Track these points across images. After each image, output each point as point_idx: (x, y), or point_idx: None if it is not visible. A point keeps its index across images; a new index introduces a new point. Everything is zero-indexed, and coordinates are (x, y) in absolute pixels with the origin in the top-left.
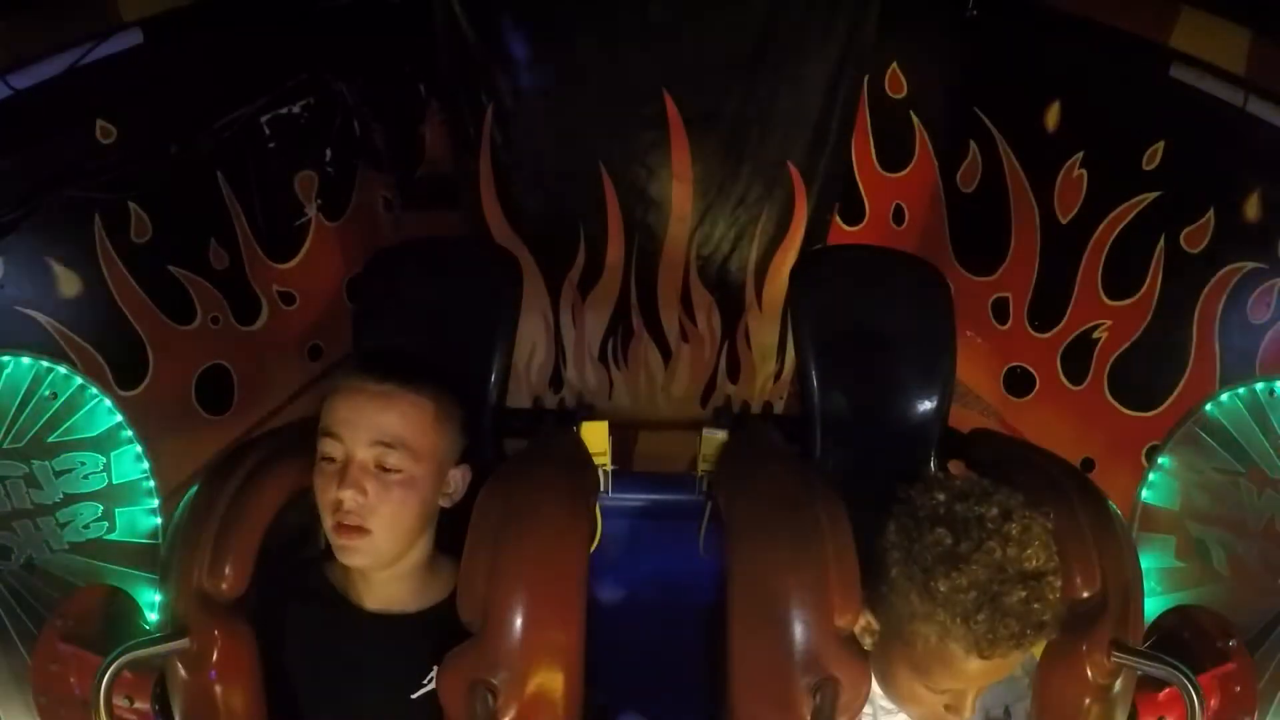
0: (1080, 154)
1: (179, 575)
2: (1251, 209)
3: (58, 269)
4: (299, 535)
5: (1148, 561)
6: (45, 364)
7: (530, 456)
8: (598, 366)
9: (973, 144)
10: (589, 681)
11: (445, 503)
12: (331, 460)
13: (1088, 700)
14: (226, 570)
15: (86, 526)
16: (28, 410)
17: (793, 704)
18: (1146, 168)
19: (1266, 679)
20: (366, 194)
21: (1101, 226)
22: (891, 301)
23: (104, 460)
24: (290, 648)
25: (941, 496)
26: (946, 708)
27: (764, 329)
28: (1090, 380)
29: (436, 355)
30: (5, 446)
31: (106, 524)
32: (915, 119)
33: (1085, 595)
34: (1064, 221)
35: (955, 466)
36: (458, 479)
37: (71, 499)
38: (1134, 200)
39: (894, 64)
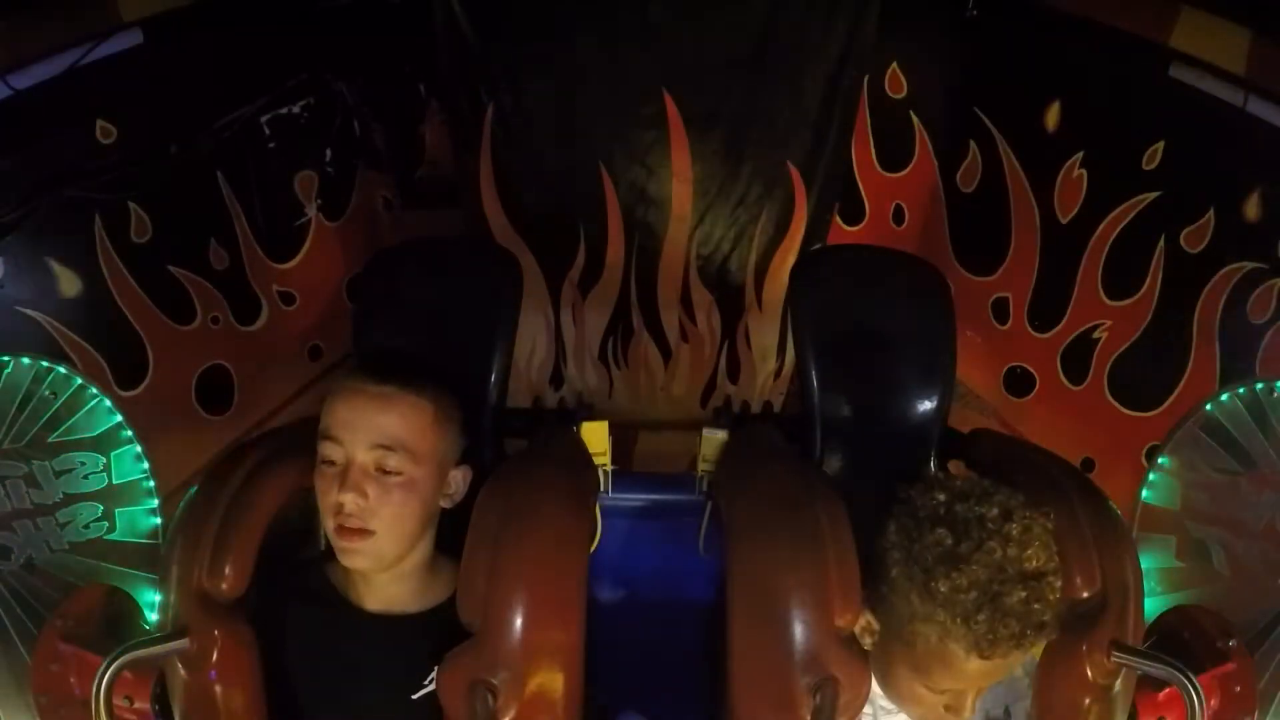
0: (1080, 154)
1: (179, 575)
2: (1251, 209)
3: (58, 269)
4: (299, 535)
5: (1148, 561)
6: (45, 364)
7: (530, 456)
8: (598, 366)
9: (973, 144)
10: (589, 681)
11: (446, 503)
12: (332, 463)
13: (1088, 700)
14: (226, 570)
15: (86, 526)
16: (28, 410)
17: (793, 704)
18: (1146, 168)
19: (1266, 679)
20: (366, 194)
21: (1101, 226)
22: (891, 301)
23: (104, 460)
24: (290, 648)
25: (942, 496)
26: (946, 708)
27: (764, 329)
28: (1090, 380)
29: (436, 355)
30: (5, 446)
31: (106, 524)
32: (915, 119)
33: (1085, 595)
34: (1064, 221)
35: (955, 466)
36: (458, 480)
37: (71, 499)
38: (1134, 200)
39: (894, 64)
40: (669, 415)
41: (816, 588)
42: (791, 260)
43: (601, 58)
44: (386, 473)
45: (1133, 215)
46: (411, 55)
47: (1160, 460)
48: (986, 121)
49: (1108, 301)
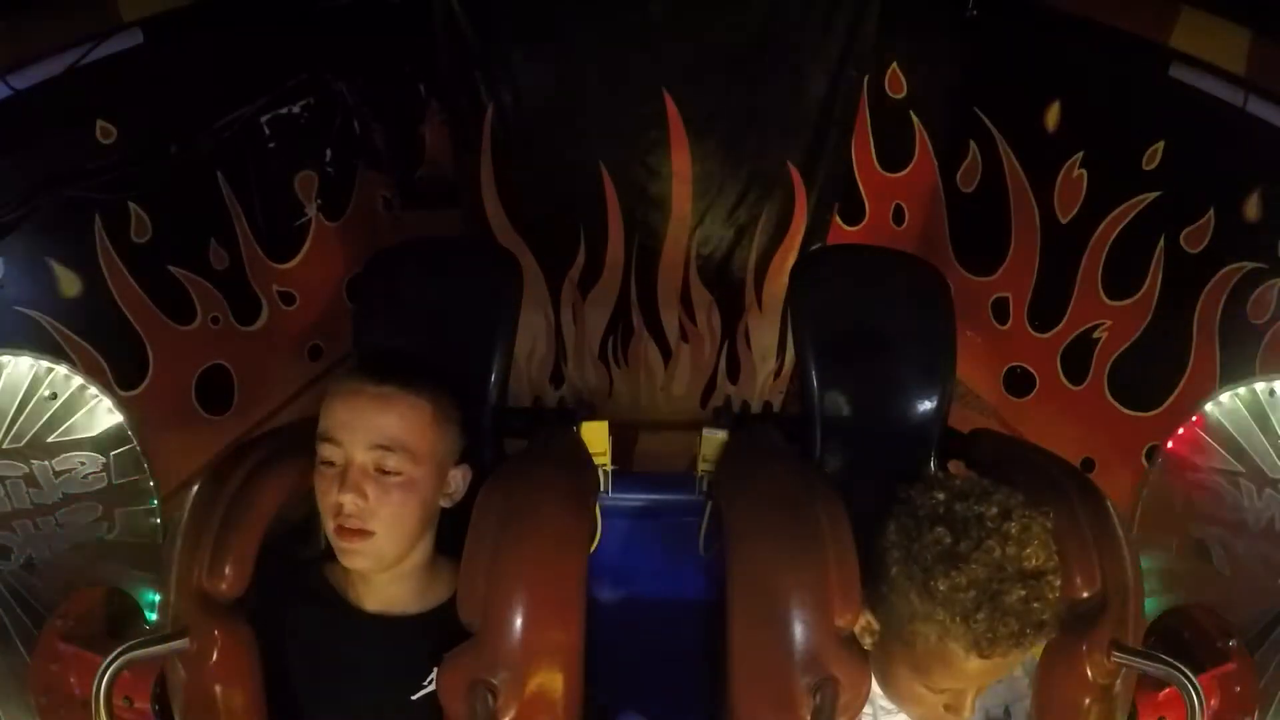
0: (1080, 154)
1: (179, 575)
2: (1251, 209)
3: (58, 269)
4: (299, 535)
5: (1148, 561)
6: (45, 364)
7: (530, 456)
8: (598, 365)
9: (973, 144)
10: (589, 681)
11: (446, 503)
12: (331, 464)
13: (1088, 700)
14: (226, 570)
15: (86, 526)
16: (28, 410)
17: (793, 704)
18: (1146, 168)
19: (1266, 679)
20: (366, 194)
21: (1101, 226)
22: (891, 301)
23: (104, 460)
24: (290, 649)
25: (941, 496)
26: (946, 708)
27: (764, 329)
28: (1090, 380)
29: (436, 355)
30: (5, 446)
31: (106, 524)
32: (915, 119)
33: (1085, 595)
34: (1064, 221)
35: (955, 466)
36: (458, 479)
37: (71, 499)
38: (1134, 200)
39: (894, 64)
40: (669, 415)
41: (816, 588)
42: (791, 260)
43: (601, 57)
44: (386, 473)
45: (1133, 215)
46: (411, 55)
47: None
48: (986, 121)
49: (1108, 301)
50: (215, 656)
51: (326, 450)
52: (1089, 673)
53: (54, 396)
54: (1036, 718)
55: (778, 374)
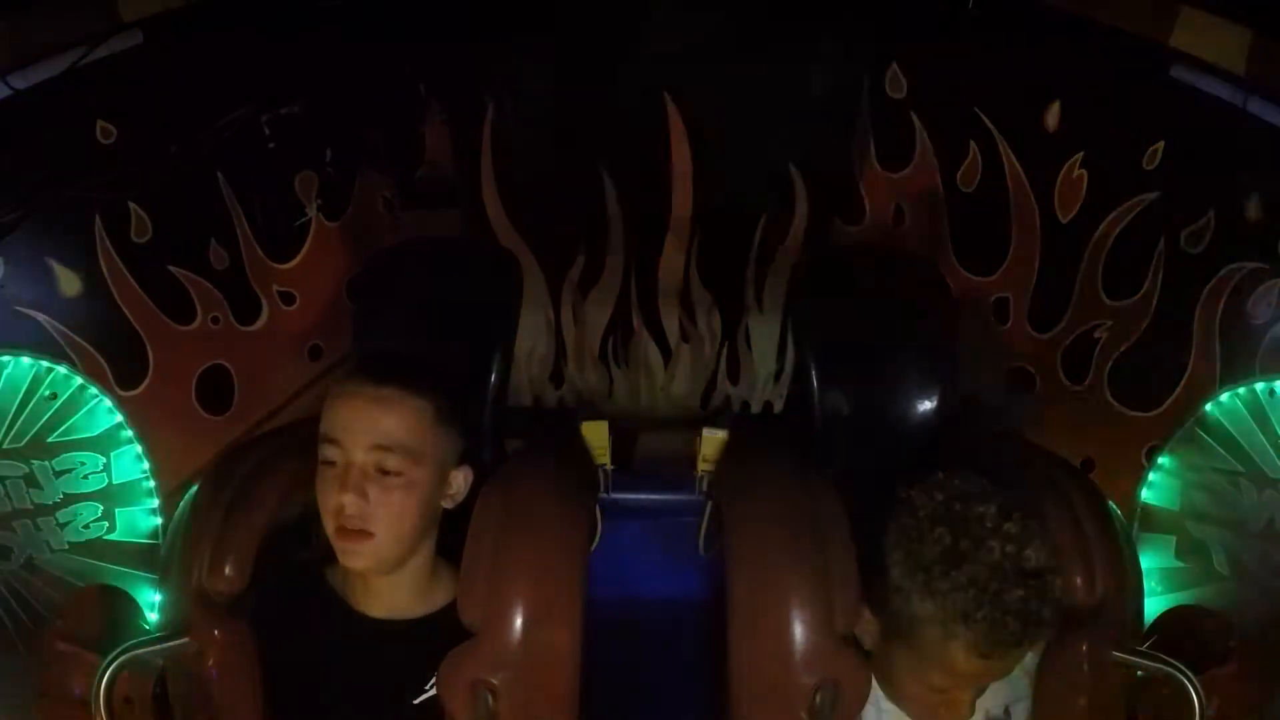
0: (1080, 154)
1: (179, 575)
2: (1251, 209)
3: (58, 269)
4: (299, 537)
5: (1148, 561)
6: (45, 364)
7: (530, 456)
8: (598, 365)
9: (973, 144)
10: (588, 681)
11: (448, 504)
12: (332, 465)
13: (1087, 700)
14: (226, 570)
15: (86, 526)
16: (28, 410)
17: (793, 704)
18: (1146, 168)
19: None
20: (366, 194)
21: (1101, 226)
22: (891, 301)
23: (104, 460)
24: (291, 652)
25: (941, 496)
26: (946, 708)
27: (764, 330)
28: (1090, 380)
29: (436, 355)
30: (5, 446)
31: (106, 524)
32: (915, 119)
33: (1085, 595)
34: (1064, 221)
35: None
36: (460, 481)
37: (71, 499)
38: (1134, 200)
39: (894, 64)
40: (669, 415)
41: (816, 588)
42: (791, 260)
43: (602, 57)
44: (386, 474)
45: (1133, 215)
46: (411, 55)
47: (1160, 460)
48: (986, 121)
49: (1108, 301)
50: (215, 656)
51: (327, 451)
52: (1089, 673)
53: (54, 396)
54: (1036, 718)
55: (778, 376)
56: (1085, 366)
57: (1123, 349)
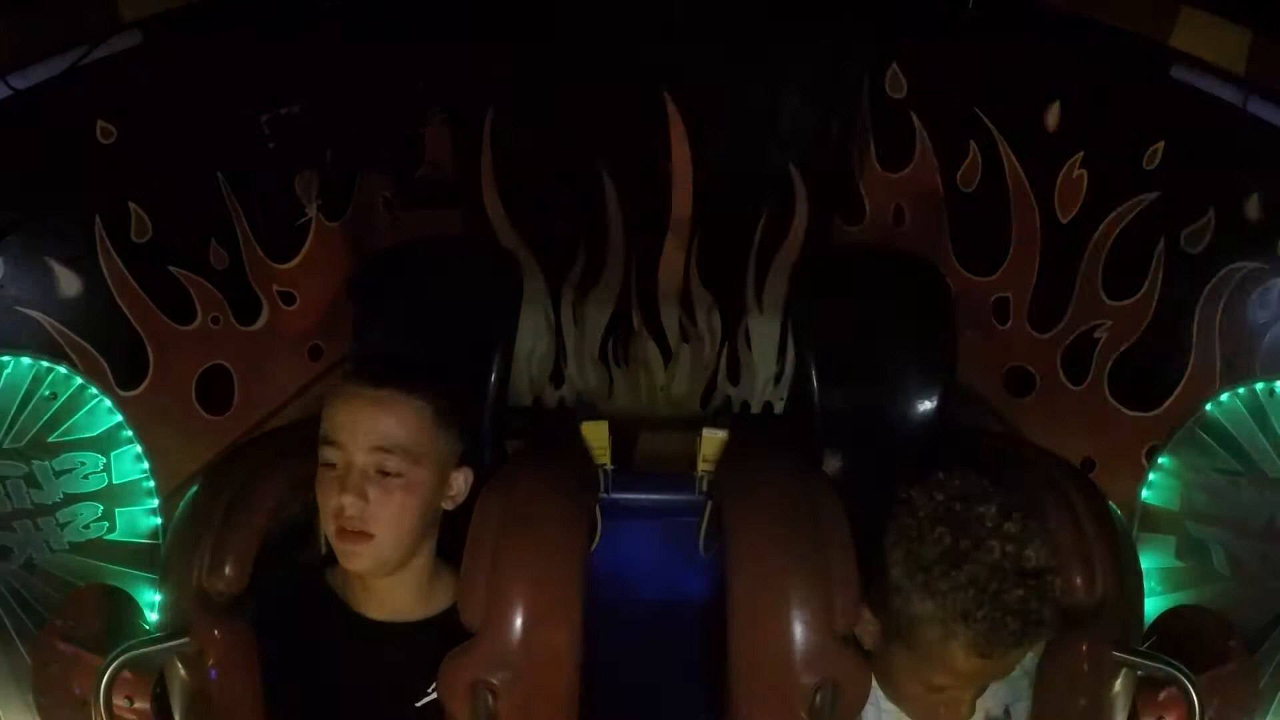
0: (1080, 154)
1: (179, 575)
2: (1251, 209)
3: (58, 269)
4: (299, 537)
5: (1148, 561)
6: (45, 364)
7: (530, 456)
8: (598, 365)
9: (973, 144)
10: (588, 681)
11: (449, 505)
12: (332, 466)
13: (1088, 700)
14: (226, 570)
15: (86, 526)
16: (28, 410)
17: (793, 704)
18: (1146, 168)
19: (1266, 679)
20: (366, 194)
21: (1101, 226)
22: (891, 301)
23: (104, 460)
24: (291, 654)
25: (941, 496)
26: (946, 708)
27: (764, 330)
28: (1090, 380)
29: (436, 355)
30: (5, 446)
31: (106, 524)
32: (915, 119)
33: (1085, 595)
34: (1064, 221)
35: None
36: (460, 481)
37: (71, 499)
38: (1134, 200)
39: (894, 64)
40: (669, 415)
41: (817, 588)
42: (792, 261)
43: (601, 56)
44: (386, 475)
45: (1133, 215)
46: (411, 55)
47: (1160, 460)
48: (986, 121)
49: (1108, 301)
50: (215, 656)
51: (327, 452)
52: (1089, 673)
53: (54, 396)
54: (1036, 718)
55: (778, 378)
56: (1085, 366)
57: (1123, 349)
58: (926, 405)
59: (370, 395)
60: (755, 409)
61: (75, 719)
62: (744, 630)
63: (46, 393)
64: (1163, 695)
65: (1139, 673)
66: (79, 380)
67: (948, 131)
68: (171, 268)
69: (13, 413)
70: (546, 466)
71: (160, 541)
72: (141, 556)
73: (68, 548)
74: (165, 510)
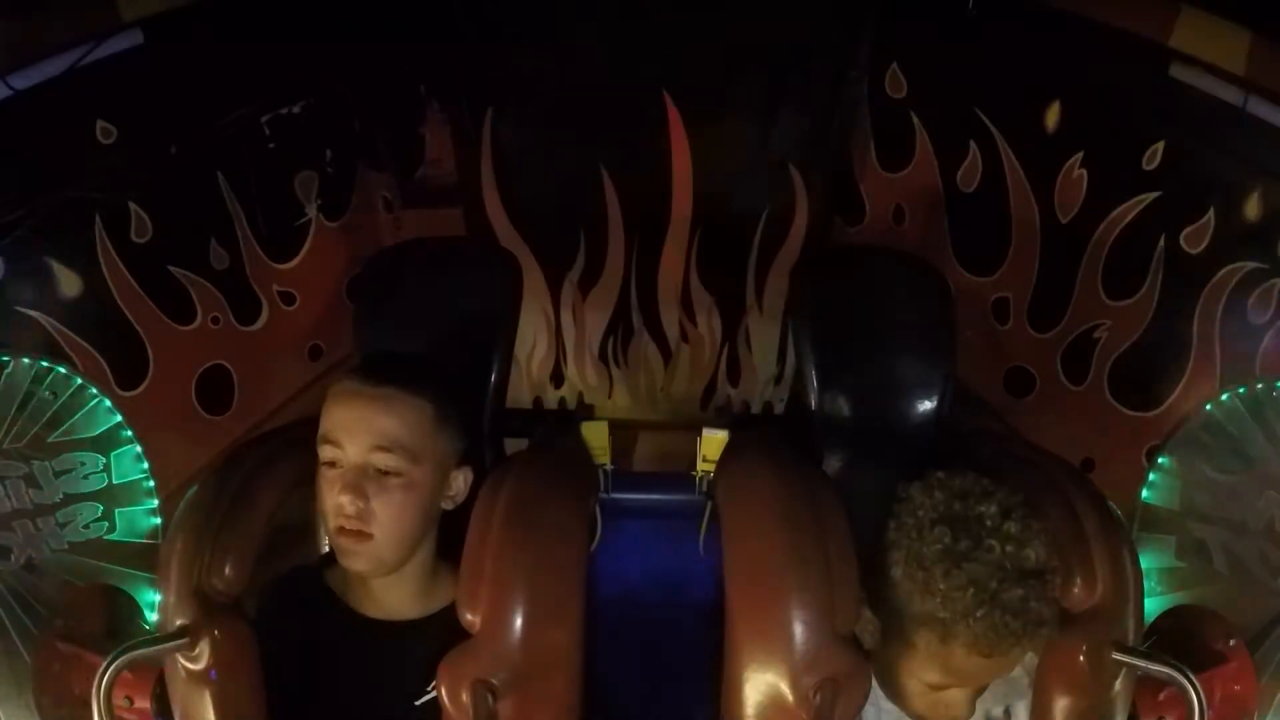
0: (1080, 154)
1: (179, 574)
2: (1251, 209)
3: (58, 269)
4: (299, 537)
5: (1148, 561)
6: (45, 364)
7: (530, 456)
8: (598, 365)
9: (973, 144)
10: (589, 681)
11: (448, 505)
12: (332, 465)
13: (1088, 700)
14: (226, 570)
15: (86, 526)
16: (28, 410)
17: (793, 704)
18: (1146, 168)
19: (1266, 679)
20: (366, 194)
21: (1101, 226)
22: (891, 301)
23: (104, 460)
24: (290, 654)
25: (941, 496)
26: (946, 707)
27: (765, 332)
28: (1090, 380)
29: (436, 355)
30: (5, 446)
31: (106, 524)
32: (915, 119)
33: (1085, 595)
34: (1064, 221)
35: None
36: (459, 481)
37: (71, 499)
38: (1134, 200)
39: (894, 64)
40: (669, 415)
41: (816, 588)
42: (792, 261)
43: (601, 57)
44: (386, 474)
45: (1133, 215)
46: (411, 55)
47: (1160, 460)
48: (986, 121)
49: (1108, 301)
50: (215, 656)
51: (327, 451)
52: (1089, 673)
53: (54, 396)
54: (1036, 718)
55: (779, 380)
56: (1085, 366)
57: (1123, 349)
58: (926, 406)
59: (370, 394)
60: (755, 408)
61: (75, 719)
62: (744, 630)
63: (46, 393)
64: (1163, 695)
65: (1139, 673)
66: (79, 380)
67: (948, 131)
68: (171, 268)
69: (13, 413)
70: (546, 466)
71: (160, 541)
72: (141, 556)
73: (68, 548)
74: (165, 510)
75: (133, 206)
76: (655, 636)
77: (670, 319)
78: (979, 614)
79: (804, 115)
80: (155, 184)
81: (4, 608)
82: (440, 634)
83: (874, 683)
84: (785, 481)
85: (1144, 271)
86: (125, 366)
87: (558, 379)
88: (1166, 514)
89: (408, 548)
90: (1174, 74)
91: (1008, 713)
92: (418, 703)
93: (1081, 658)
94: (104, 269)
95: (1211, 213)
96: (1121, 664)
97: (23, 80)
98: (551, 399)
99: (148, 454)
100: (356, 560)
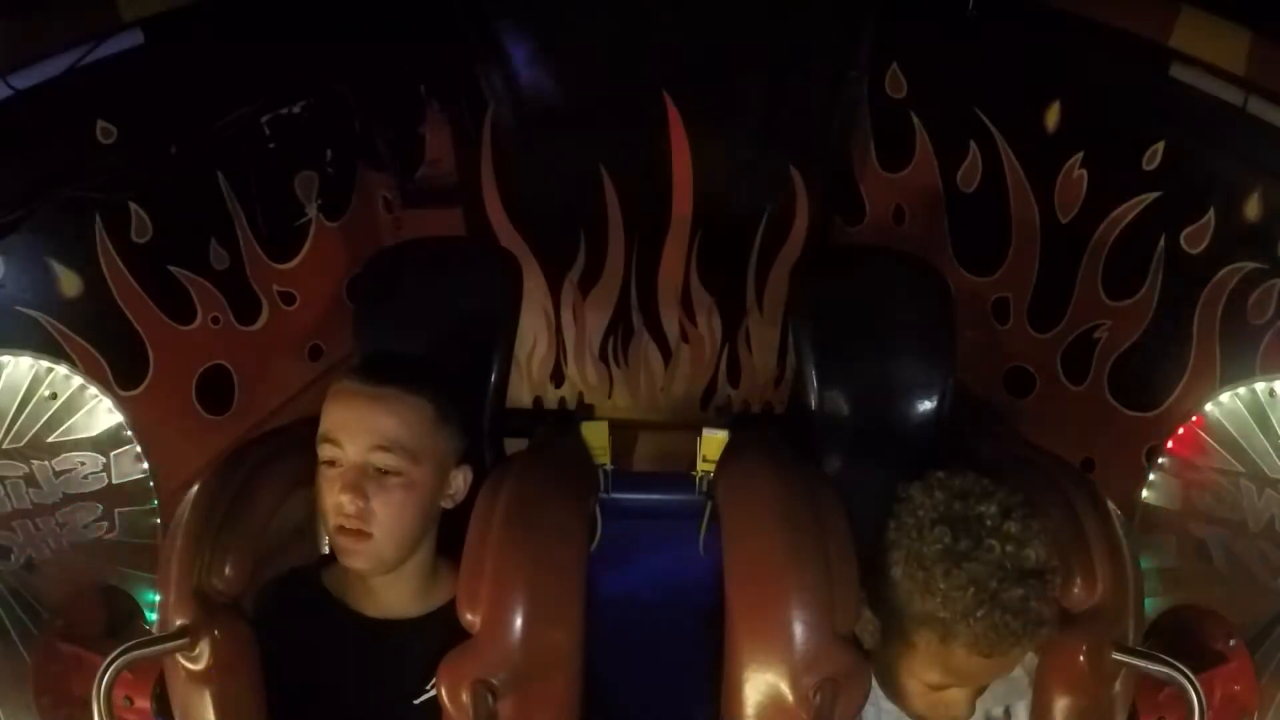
0: (1080, 154)
1: (179, 575)
2: (1251, 209)
3: (58, 269)
4: (299, 537)
5: (1148, 561)
6: (45, 364)
7: (530, 456)
8: (598, 365)
9: (973, 144)
10: (589, 681)
11: (448, 504)
12: (332, 464)
13: (1088, 700)
14: (226, 570)
15: (86, 526)
16: (28, 410)
17: (793, 704)
18: (1146, 168)
19: (1266, 679)
20: (366, 194)
21: (1101, 226)
22: (891, 302)
23: (104, 460)
24: (291, 652)
25: (941, 495)
26: (946, 707)
27: (765, 332)
28: (1090, 380)
29: (436, 355)
30: (5, 446)
31: (106, 524)
32: (915, 119)
33: (1085, 595)
34: (1064, 221)
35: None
36: (459, 480)
37: (71, 499)
38: (1134, 200)
39: (894, 64)
40: (669, 416)
41: (816, 588)
42: (792, 260)
43: (601, 57)
44: (386, 474)
45: (1133, 215)
46: (411, 55)
47: (1160, 460)
48: (986, 121)
49: (1108, 301)
50: (215, 656)
51: (327, 451)
52: (1089, 673)
53: (54, 396)
54: (1036, 718)
55: (779, 381)
56: (1085, 366)
57: (1123, 349)
58: (926, 406)
59: (370, 394)
60: (755, 409)
61: (75, 719)
62: (744, 630)
63: (46, 393)
64: (1163, 695)
65: (1139, 673)
66: (79, 380)
67: (948, 131)
68: (171, 268)
69: (13, 413)
70: (546, 466)
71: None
72: (141, 556)
73: (68, 548)
74: (165, 510)
75: (133, 206)
76: (655, 636)
77: (670, 319)
78: (979, 614)
79: (804, 115)
80: (155, 184)
81: (4, 608)
82: (440, 632)
83: (874, 683)
84: (785, 481)
85: (1144, 271)
86: (125, 366)
87: (558, 379)
88: (1166, 514)
89: (407, 547)
90: (1174, 74)
91: (1008, 713)
92: (417, 701)
93: (1081, 658)
94: (104, 269)
95: (1211, 213)
96: (1121, 664)
97: (23, 80)
98: (551, 399)
99: (148, 454)
100: (356, 559)
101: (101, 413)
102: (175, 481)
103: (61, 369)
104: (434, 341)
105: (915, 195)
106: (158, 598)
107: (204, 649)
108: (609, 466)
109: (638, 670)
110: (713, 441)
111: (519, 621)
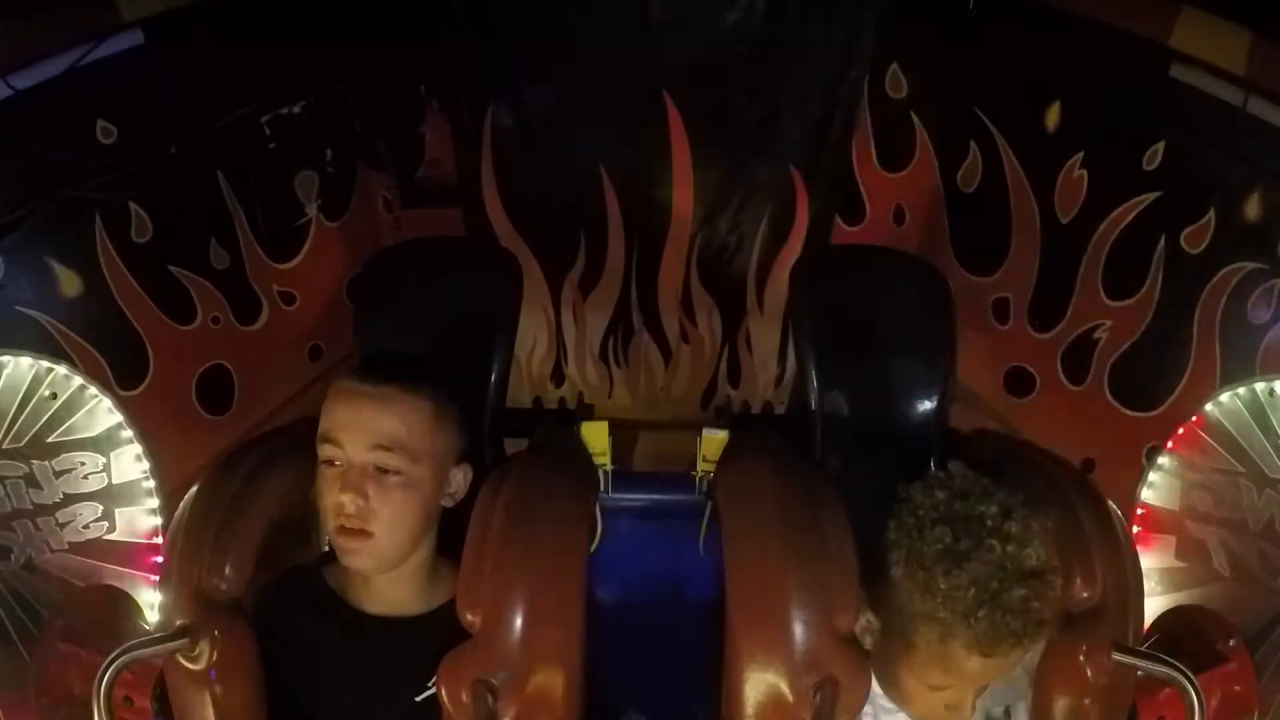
0: (1080, 154)
1: (179, 575)
2: (1251, 209)
3: (58, 269)
4: (299, 537)
5: (1148, 561)
6: (45, 364)
7: (530, 456)
8: (598, 364)
9: (973, 144)
10: (589, 681)
11: (448, 503)
12: (332, 464)
13: (1088, 700)
14: (226, 570)
15: (86, 526)
16: (28, 410)
17: (793, 704)
18: (1146, 168)
19: (1266, 679)
20: (366, 194)
21: (1101, 226)
22: (891, 301)
23: (104, 460)
24: (291, 652)
25: (942, 495)
26: (947, 708)
27: (765, 333)
28: (1090, 380)
29: (436, 355)
30: (5, 447)
31: (106, 524)
32: (915, 119)
33: (1085, 595)
34: (1064, 221)
35: (955, 466)
36: (459, 479)
37: (71, 499)
38: (1134, 200)
39: (894, 64)
40: (669, 415)
41: (816, 588)
42: (792, 261)
43: (601, 58)
44: (386, 473)
45: (1133, 215)
46: (411, 55)
47: (1160, 460)
48: (986, 121)
49: (1108, 301)
50: (215, 656)
51: (327, 450)
52: (1089, 673)
53: (54, 396)
54: (1036, 718)
55: (779, 381)
56: (1085, 366)
57: (1123, 349)
58: (926, 406)
59: (370, 393)
60: (755, 409)
61: (75, 719)
62: (744, 630)
63: (46, 393)
64: (1162, 695)
65: (1139, 673)
66: (79, 380)
67: (948, 131)
68: (171, 268)
69: (13, 413)
70: (546, 466)
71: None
72: (141, 557)
73: (68, 548)
74: (165, 510)
75: (133, 206)
76: (655, 636)
77: (670, 319)
78: (980, 614)
79: (804, 115)
80: (155, 184)
81: (4, 608)
82: (440, 630)
83: (874, 683)
84: (785, 481)
85: (1144, 272)
86: (125, 366)
87: (558, 379)
88: (1166, 514)
89: (408, 545)
90: (1174, 74)
91: (1008, 713)
92: (418, 698)
93: (1081, 658)
94: (104, 269)
95: (1211, 213)
96: (1121, 664)
97: (23, 80)
98: (551, 399)
99: (148, 454)
100: (357, 558)
101: (101, 413)
102: (175, 481)
103: (61, 369)
104: (434, 341)
105: (915, 195)
106: (158, 598)
107: (204, 649)
108: (609, 466)
109: (638, 670)
110: (713, 441)
111: (519, 621)
